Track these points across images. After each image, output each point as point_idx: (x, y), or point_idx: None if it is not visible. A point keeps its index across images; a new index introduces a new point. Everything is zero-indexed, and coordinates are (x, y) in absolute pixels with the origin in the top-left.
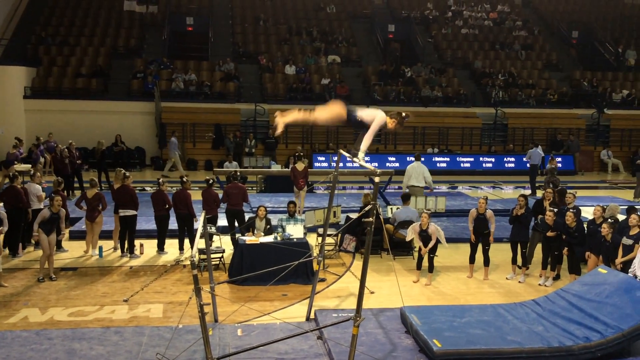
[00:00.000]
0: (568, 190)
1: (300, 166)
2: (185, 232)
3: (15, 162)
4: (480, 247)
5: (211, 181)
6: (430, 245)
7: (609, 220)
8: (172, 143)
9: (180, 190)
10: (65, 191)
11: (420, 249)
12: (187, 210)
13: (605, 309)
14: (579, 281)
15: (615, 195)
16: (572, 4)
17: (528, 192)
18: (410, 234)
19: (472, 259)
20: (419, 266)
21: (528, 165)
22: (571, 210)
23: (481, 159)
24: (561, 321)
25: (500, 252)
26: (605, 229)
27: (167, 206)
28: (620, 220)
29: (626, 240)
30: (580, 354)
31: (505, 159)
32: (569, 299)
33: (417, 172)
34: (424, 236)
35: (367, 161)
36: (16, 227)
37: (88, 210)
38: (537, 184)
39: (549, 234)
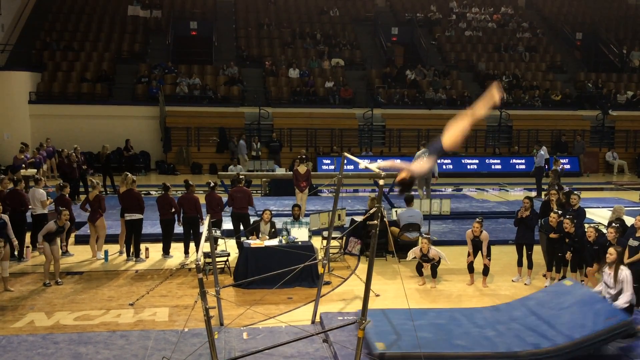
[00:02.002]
0: (573, 192)
1: (302, 169)
2: (191, 235)
3: (23, 165)
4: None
5: (212, 184)
6: (433, 262)
7: (614, 224)
8: (241, 145)
9: (187, 193)
10: (69, 196)
11: (421, 263)
12: (195, 213)
13: (562, 318)
14: (542, 290)
15: (621, 196)
16: (576, 5)
17: (533, 194)
18: (411, 255)
19: (470, 268)
20: (420, 273)
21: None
22: (569, 216)
23: (486, 161)
24: (517, 327)
25: (506, 255)
26: (611, 234)
27: (172, 210)
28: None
29: (632, 242)
30: None
31: (510, 161)
32: (530, 306)
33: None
34: (425, 260)
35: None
36: (20, 231)
37: (90, 212)
38: (542, 186)
39: (552, 235)
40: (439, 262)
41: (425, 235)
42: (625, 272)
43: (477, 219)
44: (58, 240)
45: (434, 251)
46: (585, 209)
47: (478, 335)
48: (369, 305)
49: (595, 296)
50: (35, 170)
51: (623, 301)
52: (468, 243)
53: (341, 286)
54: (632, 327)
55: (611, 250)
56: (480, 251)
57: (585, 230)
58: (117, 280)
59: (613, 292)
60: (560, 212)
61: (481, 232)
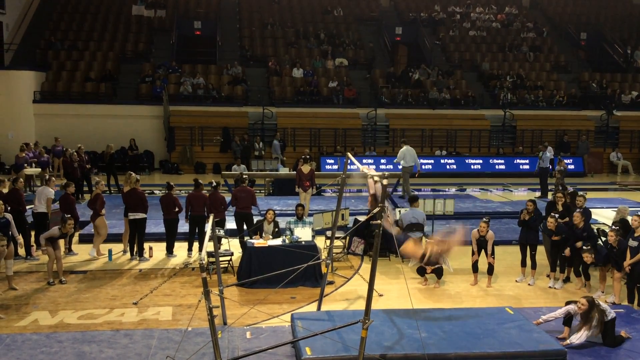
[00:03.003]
0: (578, 192)
1: (305, 168)
2: (196, 234)
3: (26, 165)
4: (482, 255)
5: (215, 184)
6: (436, 266)
7: (613, 226)
8: (275, 145)
9: (196, 191)
10: (74, 195)
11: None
12: (203, 211)
13: (500, 333)
14: (486, 309)
15: (625, 197)
16: (580, 5)
17: (537, 194)
18: (414, 259)
19: (475, 268)
20: (421, 274)
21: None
22: (579, 210)
23: (490, 161)
24: (449, 330)
25: (510, 255)
26: (612, 237)
27: (176, 209)
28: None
29: (632, 242)
30: None
31: (514, 161)
32: (470, 316)
33: (410, 154)
34: (430, 262)
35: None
36: (23, 230)
37: (92, 212)
38: (548, 187)
39: (554, 238)
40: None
41: (428, 240)
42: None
43: (484, 219)
44: (61, 242)
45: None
46: (590, 210)
47: (407, 337)
48: (372, 305)
49: (533, 326)
50: (40, 169)
51: (577, 338)
52: (473, 242)
53: (344, 286)
54: (564, 358)
55: (582, 300)
56: (484, 250)
57: (594, 230)
58: (121, 279)
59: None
60: (557, 215)
61: (487, 231)
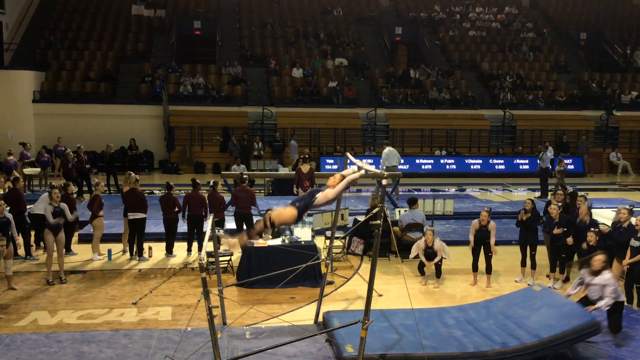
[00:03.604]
0: (578, 193)
1: (305, 168)
2: (195, 234)
3: (26, 161)
4: (482, 254)
5: (212, 182)
6: (435, 260)
7: (592, 229)
8: (293, 146)
9: (194, 191)
10: (73, 194)
11: (423, 263)
12: (201, 211)
13: (530, 319)
14: (513, 293)
15: (625, 197)
16: (580, 5)
17: (537, 194)
18: (414, 251)
19: (474, 267)
20: (421, 272)
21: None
22: (586, 204)
23: (490, 161)
24: (485, 327)
25: (510, 255)
26: (591, 238)
27: (176, 209)
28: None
29: (634, 242)
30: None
31: (514, 161)
32: (499, 307)
33: (393, 155)
34: (429, 253)
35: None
36: (23, 230)
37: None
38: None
39: (556, 231)
40: (441, 260)
41: (429, 227)
42: (607, 275)
43: (486, 208)
44: (62, 235)
45: (438, 244)
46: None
47: (447, 336)
48: (371, 305)
49: (562, 299)
50: (40, 169)
51: (605, 303)
52: (471, 232)
53: (344, 286)
54: (599, 328)
55: (600, 257)
56: (483, 245)
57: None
58: (120, 279)
59: (596, 295)
60: (560, 203)
61: (489, 221)
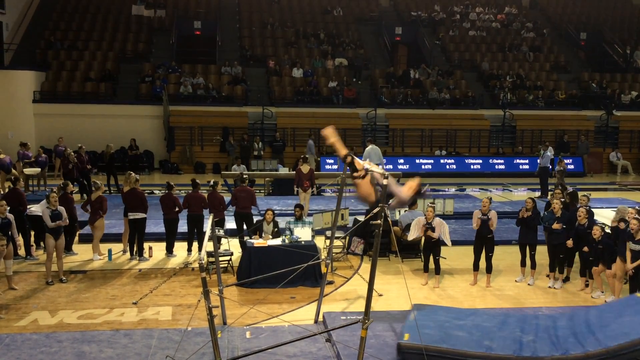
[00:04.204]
0: (580, 193)
1: (305, 168)
2: (195, 234)
3: (26, 161)
4: (483, 253)
5: (212, 182)
6: (435, 235)
7: (597, 224)
8: (310, 145)
9: (194, 191)
10: (72, 194)
11: (426, 246)
12: (201, 211)
13: (611, 327)
14: (618, 300)
15: (625, 197)
16: (580, 5)
17: (537, 194)
18: (414, 231)
19: (475, 266)
20: (426, 268)
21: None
22: (585, 207)
23: (490, 161)
24: (560, 334)
25: (509, 255)
26: (597, 232)
27: (177, 209)
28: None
29: (633, 246)
30: None
31: (514, 161)
32: (590, 314)
33: (374, 153)
34: (429, 229)
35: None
36: (23, 230)
37: (90, 214)
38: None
39: (555, 225)
40: (440, 249)
41: (430, 204)
42: None
43: (486, 197)
44: (62, 239)
45: (438, 220)
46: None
47: (512, 339)
48: (371, 305)
49: None
50: (39, 169)
51: None
52: (474, 223)
53: (344, 286)
54: None
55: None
56: (489, 238)
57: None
58: (121, 279)
59: None
60: (562, 199)
61: (489, 210)
